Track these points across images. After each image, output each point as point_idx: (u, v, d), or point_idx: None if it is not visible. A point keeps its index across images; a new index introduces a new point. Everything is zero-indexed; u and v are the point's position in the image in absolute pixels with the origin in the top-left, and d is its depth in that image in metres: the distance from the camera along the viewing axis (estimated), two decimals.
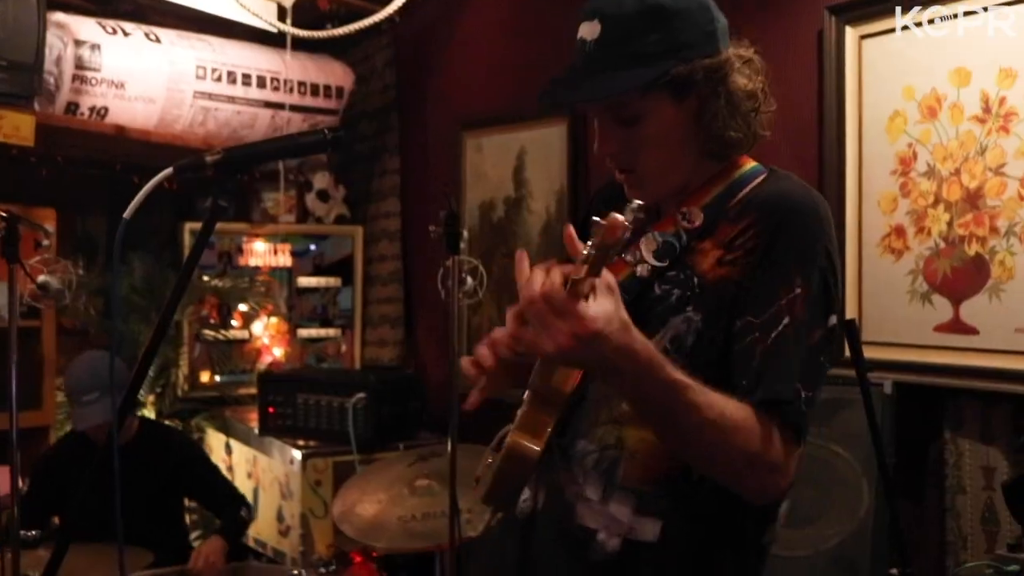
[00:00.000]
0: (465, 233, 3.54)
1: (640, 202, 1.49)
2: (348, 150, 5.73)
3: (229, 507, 4.34)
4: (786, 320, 1.68)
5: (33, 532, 3.22)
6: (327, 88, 5.24)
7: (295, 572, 3.47)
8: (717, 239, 1.77)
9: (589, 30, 1.76)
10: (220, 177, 1.79)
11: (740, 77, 1.79)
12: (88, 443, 4.05)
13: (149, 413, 5.05)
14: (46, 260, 3.23)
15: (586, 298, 1.46)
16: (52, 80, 4.42)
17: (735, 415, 1.62)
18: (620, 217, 1.41)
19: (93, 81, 4.49)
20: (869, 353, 3.27)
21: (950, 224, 3.11)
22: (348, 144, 1.55)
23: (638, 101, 1.76)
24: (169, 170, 1.78)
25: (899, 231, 3.24)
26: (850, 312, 3.36)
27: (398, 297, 5.50)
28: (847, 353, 3.30)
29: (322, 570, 3.46)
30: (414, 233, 5.44)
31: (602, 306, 1.47)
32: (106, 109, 4.56)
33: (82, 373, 4.03)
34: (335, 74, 5.28)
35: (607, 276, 1.49)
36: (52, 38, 4.38)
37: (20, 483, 4.14)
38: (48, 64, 4.38)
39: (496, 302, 4.78)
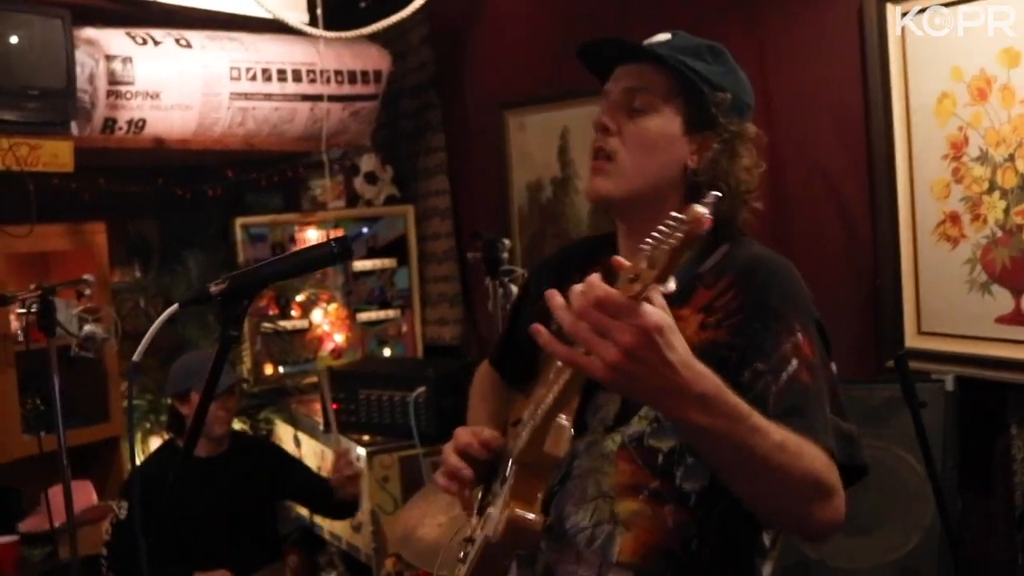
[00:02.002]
0: (507, 242, 3.47)
1: (718, 193, 1.43)
2: (392, 128, 5.67)
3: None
4: (795, 362, 1.66)
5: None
6: (364, 74, 5.15)
7: None
8: (694, 305, 1.76)
9: (658, 37, 1.87)
10: (226, 306, 1.74)
11: (747, 156, 1.84)
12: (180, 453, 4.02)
13: None
14: (89, 309, 3.23)
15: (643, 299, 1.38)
16: (87, 98, 4.38)
17: (795, 439, 1.55)
18: (702, 209, 1.34)
19: (128, 95, 4.45)
20: (929, 344, 3.20)
21: (1007, 212, 2.97)
22: (348, 248, 1.50)
23: (658, 98, 1.81)
24: (175, 307, 1.75)
25: (954, 218, 3.11)
26: (907, 302, 3.26)
27: (454, 275, 5.46)
28: (908, 343, 3.24)
29: None
30: (465, 210, 5.38)
31: (661, 310, 1.40)
32: (144, 121, 4.53)
33: (195, 357, 4.06)
34: (372, 58, 5.19)
35: (658, 296, 1.40)
36: (83, 56, 4.34)
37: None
38: (81, 82, 4.34)
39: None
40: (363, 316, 5.61)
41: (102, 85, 4.38)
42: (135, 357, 1.73)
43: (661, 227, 1.36)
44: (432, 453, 4.59)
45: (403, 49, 5.48)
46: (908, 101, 3.21)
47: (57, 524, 4.02)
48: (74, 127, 4.35)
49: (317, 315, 5.51)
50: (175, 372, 4.05)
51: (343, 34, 4.50)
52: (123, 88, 4.44)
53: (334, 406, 4.82)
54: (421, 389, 4.56)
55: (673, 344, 1.40)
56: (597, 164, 1.84)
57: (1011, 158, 2.94)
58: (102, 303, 4.51)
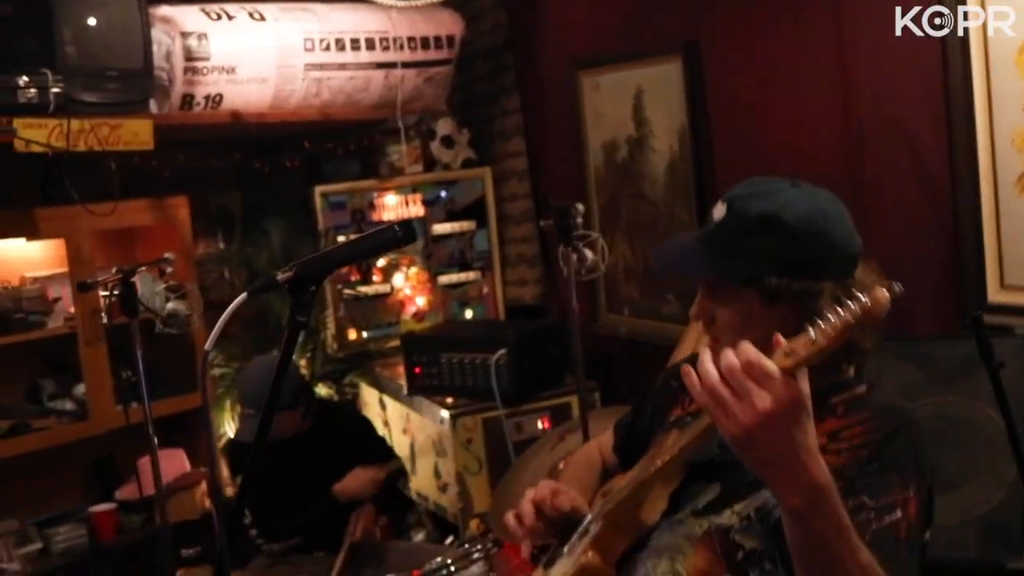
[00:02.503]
0: (580, 207, 3.45)
1: (901, 287, 1.46)
2: (468, 91, 5.67)
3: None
4: (899, 514, 1.68)
5: (191, 550, 3.36)
6: (438, 39, 5.16)
7: (438, 559, 3.52)
8: (821, 429, 1.71)
9: (718, 211, 1.86)
10: (294, 293, 1.78)
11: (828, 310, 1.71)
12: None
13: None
14: (173, 287, 3.30)
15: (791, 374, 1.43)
16: (165, 76, 4.46)
17: (879, 569, 1.58)
18: (885, 294, 1.40)
19: (204, 70, 4.52)
20: (1012, 298, 3.14)
21: None
22: (412, 231, 1.54)
23: (731, 289, 1.83)
24: (243, 296, 1.78)
25: None
26: (989, 255, 3.20)
27: (532, 236, 5.46)
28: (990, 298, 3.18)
29: (475, 555, 3.49)
30: (542, 171, 5.38)
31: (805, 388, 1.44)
32: (220, 96, 4.60)
33: (247, 385, 4.05)
34: (444, 23, 5.19)
35: (805, 381, 1.45)
36: (159, 34, 4.41)
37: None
38: (158, 60, 4.41)
39: (628, 242, 4.72)
40: (443, 279, 5.64)
41: (179, 62, 4.45)
42: (207, 346, 1.77)
43: (836, 307, 1.40)
44: (514, 414, 4.64)
45: (476, 12, 5.47)
46: (987, 49, 3.13)
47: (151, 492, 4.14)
48: (153, 105, 4.43)
49: (398, 279, 5.56)
50: (242, 384, 4.10)
51: (414, 2, 4.50)
52: (199, 64, 4.51)
53: (416, 370, 4.88)
54: (502, 351, 4.59)
55: (804, 426, 1.44)
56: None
57: None
58: (186, 276, 4.60)
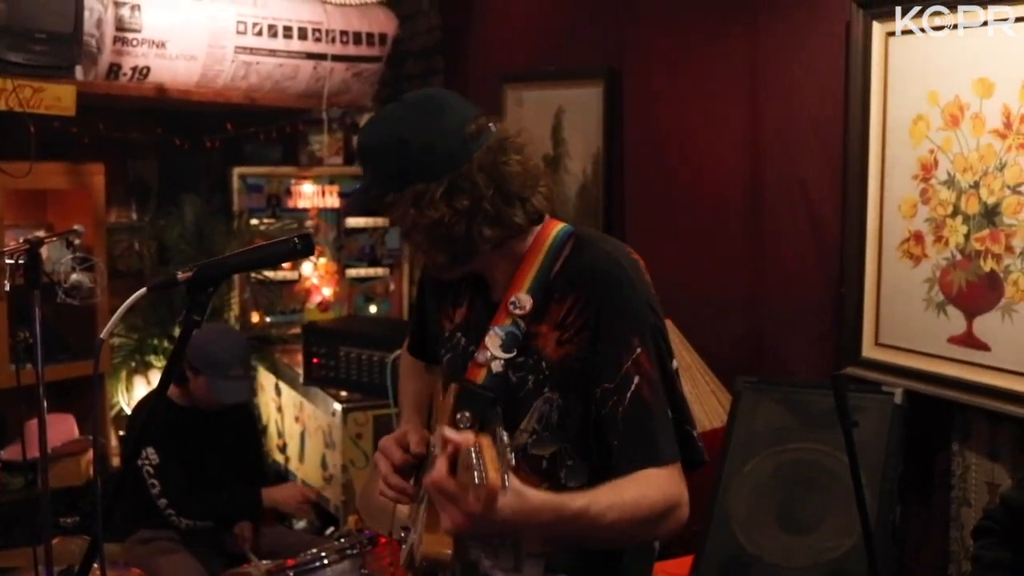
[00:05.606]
0: None
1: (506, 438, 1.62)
2: (396, 88, 5.74)
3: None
4: (637, 379, 1.86)
5: (70, 519, 3.38)
6: (370, 36, 5.23)
7: (312, 551, 3.61)
8: (551, 321, 1.94)
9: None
10: (192, 292, 1.85)
11: (432, 210, 1.89)
12: (173, 407, 4.19)
13: None
14: (80, 258, 3.33)
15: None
16: (93, 43, 4.47)
17: (631, 495, 1.79)
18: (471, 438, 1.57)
19: (134, 42, 4.54)
20: (884, 356, 3.31)
21: (967, 237, 3.06)
22: (311, 244, 1.65)
23: (387, 213, 1.99)
24: (143, 290, 1.85)
25: (918, 237, 3.20)
26: (867, 313, 3.36)
27: None
28: (864, 353, 3.35)
29: (348, 551, 3.58)
30: None
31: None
32: (148, 69, 4.62)
33: (227, 346, 4.15)
34: (378, 21, 5.26)
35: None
36: (92, 1, 4.41)
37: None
38: (89, 27, 4.42)
39: None
40: (352, 272, 5.72)
41: (109, 31, 4.47)
42: (102, 335, 1.84)
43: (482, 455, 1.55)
44: None
45: (413, 11, 5.55)
46: (886, 120, 3.28)
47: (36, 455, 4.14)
48: (79, 71, 4.43)
49: (307, 268, 5.62)
50: (198, 343, 4.10)
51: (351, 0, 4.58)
52: (130, 35, 4.53)
53: (314, 360, 4.94)
54: (399, 352, 4.66)
55: (500, 509, 1.58)
56: None
57: (976, 185, 3.02)
58: (96, 244, 4.61)
